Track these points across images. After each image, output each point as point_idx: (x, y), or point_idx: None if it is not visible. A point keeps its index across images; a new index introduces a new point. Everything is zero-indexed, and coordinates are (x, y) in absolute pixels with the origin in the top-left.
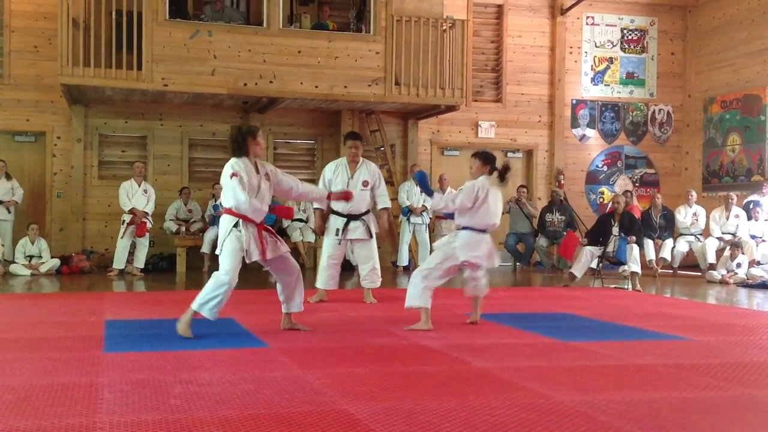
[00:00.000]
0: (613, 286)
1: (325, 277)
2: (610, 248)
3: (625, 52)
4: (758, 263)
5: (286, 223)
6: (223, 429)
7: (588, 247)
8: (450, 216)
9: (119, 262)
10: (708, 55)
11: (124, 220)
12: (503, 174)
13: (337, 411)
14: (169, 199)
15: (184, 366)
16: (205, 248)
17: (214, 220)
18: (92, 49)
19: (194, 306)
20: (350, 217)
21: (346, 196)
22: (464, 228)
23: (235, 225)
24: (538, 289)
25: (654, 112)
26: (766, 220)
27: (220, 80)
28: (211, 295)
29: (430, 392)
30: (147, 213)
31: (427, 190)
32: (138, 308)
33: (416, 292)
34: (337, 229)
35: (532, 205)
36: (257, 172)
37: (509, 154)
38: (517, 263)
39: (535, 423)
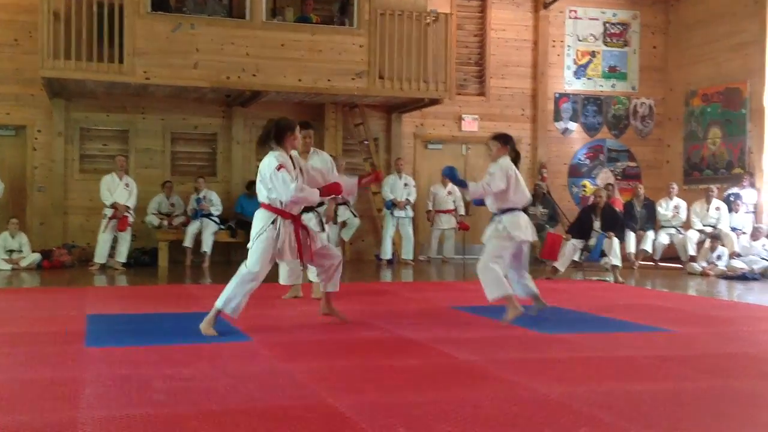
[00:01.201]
0: (595, 278)
1: (285, 273)
2: (592, 242)
3: (607, 45)
4: (738, 255)
5: None
6: (206, 424)
7: (571, 241)
8: (481, 203)
9: (101, 256)
10: (690, 48)
11: (105, 214)
12: (517, 158)
13: (321, 405)
14: (151, 193)
15: (167, 361)
16: (188, 242)
17: (197, 214)
18: (73, 42)
19: (219, 304)
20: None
21: (376, 177)
22: (505, 211)
23: (273, 222)
24: None
25: (636, 105)
26: (746, 212)
27: (203, 73)
28: (235, 293)
29: (415, 385)
30: (128, 207)
31: (460, 182)
32: (120, 303)
33: (492, 284)
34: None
35: None
36: (294, 166)
37: None
38: None
39: (518, 415)
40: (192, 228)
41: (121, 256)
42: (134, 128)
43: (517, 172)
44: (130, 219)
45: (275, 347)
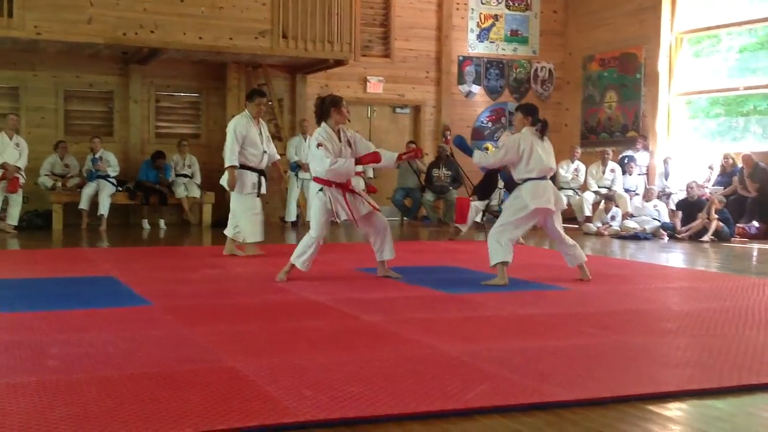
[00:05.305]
0: None
1: (259, 230)
2: (495, 201)
3: (509, 9)
4: (631, 216)
5: (170, 178)
6: (104, 389)
7: (473, 202)
8: (485, 170)
9: None
10: (588, 14)
11: None
12: (544, 127)
13: (223, 368)
14: (44, 154)
15: (62, 326)
16: (84, 204)
17: (92, 176)
18: None
19: (292, 259)
20: (260, 172)
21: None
22: (525, 180)
23: (320, 190)
24: (425, 242)
25: (536, 69)
26: (639, 174)
27: (98, 29)
28: (302, 250)
29: (319, 347)
30: (19, 168)
31: (468, 151)
32: (12, 267)
33: (498, 249)
34: (253, 184)
35: (419, 161)
36: (339, 139)
37: (397, 110)
38: (404, 218)
39: (421, 373)
40: (88, 190)
41: (13, 218)
42: (25, 86)
43: (538, 143)
44: (21, 180)
45: (176, 311)
